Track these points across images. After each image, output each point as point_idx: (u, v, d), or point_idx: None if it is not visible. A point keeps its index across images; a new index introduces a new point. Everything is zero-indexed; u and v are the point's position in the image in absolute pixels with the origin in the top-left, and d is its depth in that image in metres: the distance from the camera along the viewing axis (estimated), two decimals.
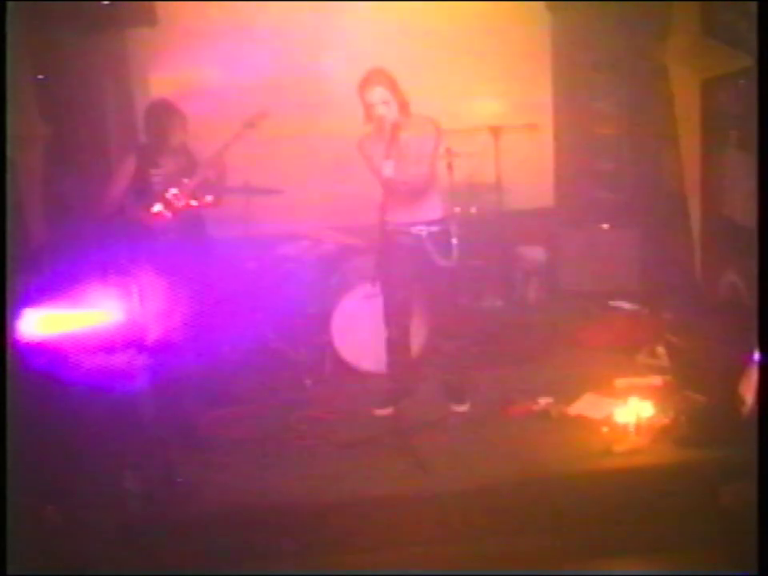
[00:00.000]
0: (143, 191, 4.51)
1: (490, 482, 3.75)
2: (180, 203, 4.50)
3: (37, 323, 3.58)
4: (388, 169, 3.91)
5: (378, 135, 4.07)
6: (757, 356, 3.31)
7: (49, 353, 3.62)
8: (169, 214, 4.48)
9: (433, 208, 4.24)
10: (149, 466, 3.86)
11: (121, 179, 4.54)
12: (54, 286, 3.81)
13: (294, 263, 5.36)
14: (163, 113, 4.52)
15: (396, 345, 4.46)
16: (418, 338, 4.79)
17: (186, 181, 4.50)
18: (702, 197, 5.29)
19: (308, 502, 3.72)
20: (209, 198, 4.61)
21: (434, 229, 4.19)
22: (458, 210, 5.94)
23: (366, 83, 4.05)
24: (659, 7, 5.34)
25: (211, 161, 4.52)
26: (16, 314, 3.49)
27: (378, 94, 4.02)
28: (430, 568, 3.48)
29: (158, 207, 4.48)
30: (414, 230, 4.16)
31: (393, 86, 4.05)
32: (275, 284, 5.31)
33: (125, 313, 3.88)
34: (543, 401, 4.36)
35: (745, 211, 4.52)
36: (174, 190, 4.49)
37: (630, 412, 3.98)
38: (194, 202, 4.53)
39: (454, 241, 4.20)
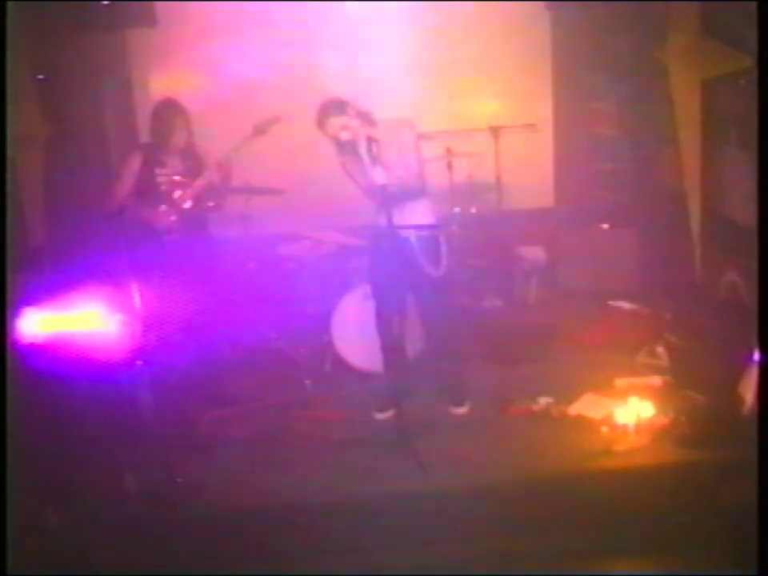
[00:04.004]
0: (147, 191, 4.51)
1: (489, 482, 3.75)
2: (184, 204, 4.50)
3: (37, 323, 3.58)
4: (379, 175, 3.95)
5: (354, 156, 4.12)
6: (757, 356, 3.32)
7: (49, 353, 3.62)
8: (172, 215, 4.48)
9: (424, 213, 4.26)
10: (149, 465, 3.86)
11: (126, 178, 4.53)
12: (54, 286, 3.81)
13: (294, 263, 5.36)
14: (169, 112, 4.51)
15: (390, 349, 4.47)
16: (413, 341, 4.79)
17: (191, 182, 4.50)
18: (702, 197, 5.30)
19: (308, 501, 3.72)
20: (213, 200, 4.61)
21: (424, 234, 4.21)
22: (457, 210, 5.95)
23: (320, 120, 4.14)
24: (659, 7, 5.33)
25: (219, 164, 4.51)
26: (16, 314, 3.49)
27: (334, 124, 4.11)
28: (430, 568, 3.48)
29: (162, 207, 4.48)
30: (405, 234, 4.17)
31: (344, 108, 4.11)
32: (275, 284, 5.31)
33: (125, 313, 3.87)
34: (543, 401, 4.37)
35: (745, 211, 4.52)
36: (178, 191, 4.49)
37: (630, 412, 3.99)
38: (198, 203, 4.54)
39: (444, 247, 4.23)
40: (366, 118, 4.17)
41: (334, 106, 4.13)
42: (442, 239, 4.26)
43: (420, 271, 4.21)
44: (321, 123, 4.14)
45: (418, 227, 4.19)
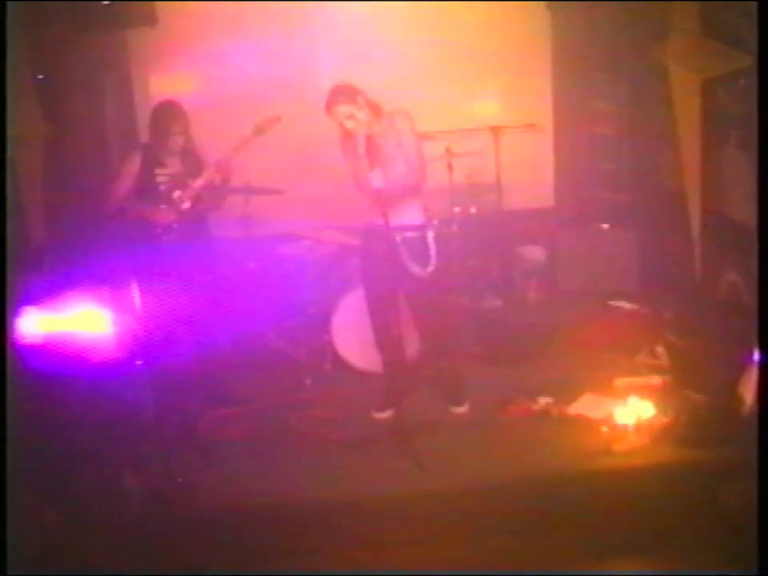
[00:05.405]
0: (147, 191, 4.51)
1: (489, 482, 3.76)
2: (184, 204, 4.50)
3: (37, 323, 3.59)
4: (377, 180, 3.94)
5: (353, 147, 4.09)
6: (757, 356, 3.31)
7: (49, 353, 3.62)
8: (172, 215, 4.48)
9: (416, 212, 4.24)
10: (149, 465, 3.86)
11: (126, 178, 4.53)
12: (54, 286, 3.81)
13: (293, 263, 5.36)
14: (169, 113, 4.51)
15: (389, 348, 4.46)
16: (411, 341, 4.79)
17: (191, 182, 4.50)
18: (702, 197, 5.29)
19: (308, 501, 3.72)
20: (213, 200, 4.61)
21: (412, 234, 4.18)
22: (457, 209, 5.95)
23: (328, 105, 4.10)
24: (659, 7, 5.33)
25: (219, 164, 4.50)
26: (16, 314, 3.49)
27: (341, 111, 4.06)
28: (430, 568, 3.48)
29: (161, 207, 4.48)
30: (395, 234, 4.13)
31: (354, 97, 4.06)
32: (275, 284, 5.31)
33: (125, 313, 3.88)
34: (543, 401, 4.37)
35: (745, 211, 4.52)
36: (178, 191, 4.49)
37: (630, 412, 3.99)
38: (198, 203, 4.54)
39: (432, 247, 4.20)
40: (375, 111, 4.14)
41: (345, 94, 4.08)
42: (431, 238, 4.22)
43: (411, 271, 4.19)
44: (329, 107, 4.10)
45: (406, 227, 4.16)
